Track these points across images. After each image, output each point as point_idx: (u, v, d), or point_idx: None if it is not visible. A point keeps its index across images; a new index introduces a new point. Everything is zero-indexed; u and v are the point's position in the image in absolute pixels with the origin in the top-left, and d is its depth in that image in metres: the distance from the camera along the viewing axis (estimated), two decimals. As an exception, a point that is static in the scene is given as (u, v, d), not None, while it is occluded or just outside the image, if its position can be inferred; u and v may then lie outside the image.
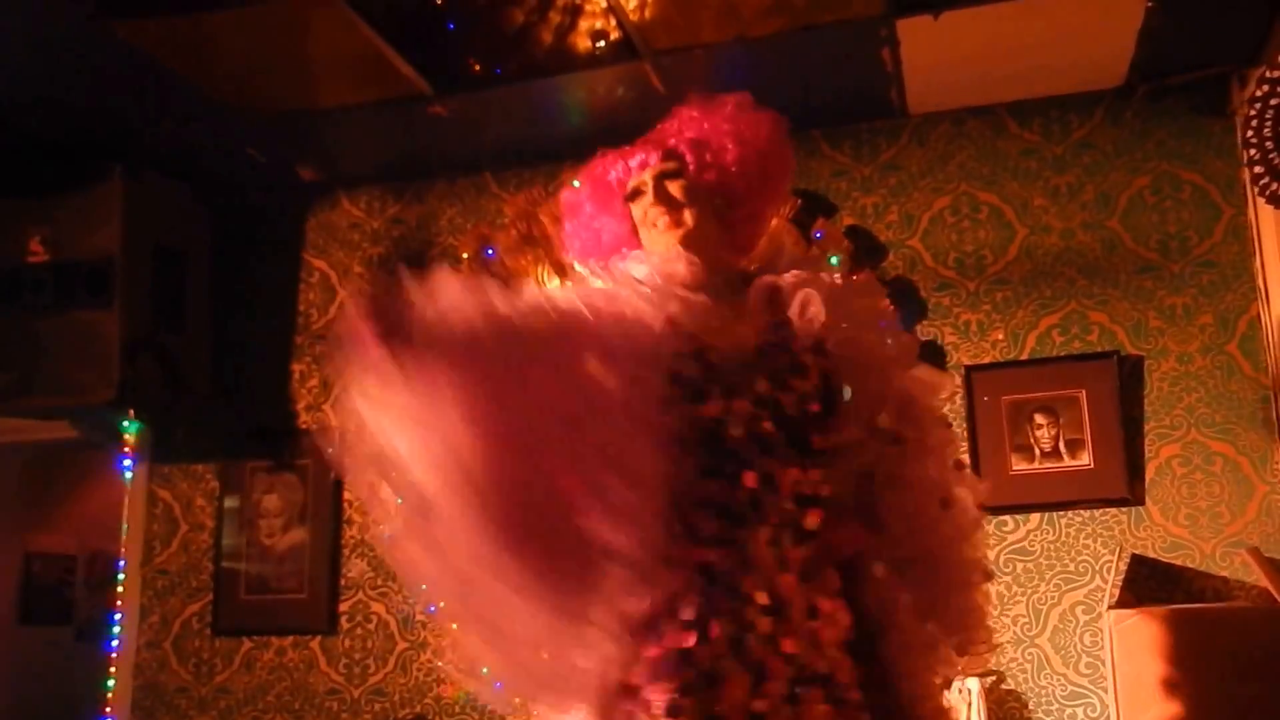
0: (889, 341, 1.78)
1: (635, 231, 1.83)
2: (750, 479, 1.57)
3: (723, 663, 1.51)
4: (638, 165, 1.81)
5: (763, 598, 1.54)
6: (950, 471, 1.74)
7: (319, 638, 3.61)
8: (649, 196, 1.78)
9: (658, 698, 1.50)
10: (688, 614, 1.52)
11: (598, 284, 1.73)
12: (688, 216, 1.76)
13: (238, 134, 3.50)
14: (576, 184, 1.91)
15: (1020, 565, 3.13)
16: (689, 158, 1.79)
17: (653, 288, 1.68)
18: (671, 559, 1.53)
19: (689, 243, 1.75)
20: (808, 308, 1.70)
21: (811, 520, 1.60)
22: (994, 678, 3.07)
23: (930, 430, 1.74)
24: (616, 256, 1.81)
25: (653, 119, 3.49)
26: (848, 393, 1.68)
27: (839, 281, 1.77)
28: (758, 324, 1.71)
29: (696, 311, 1.65)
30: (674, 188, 1.77)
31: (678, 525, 1.55)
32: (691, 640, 1.51)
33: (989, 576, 1.75)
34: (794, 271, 1.75)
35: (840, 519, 1.64)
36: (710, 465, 1.58)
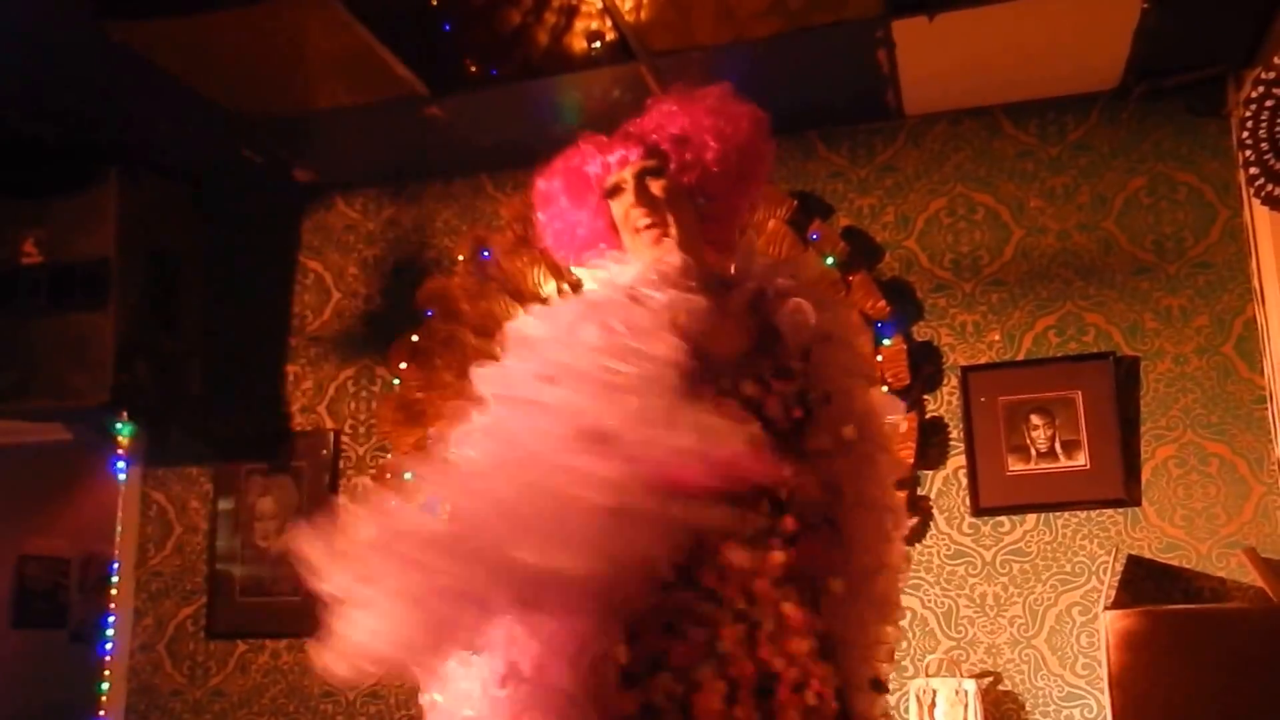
0: (860, 359, 1.80)
1: (612, 227, 1.79)
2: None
3: (699, 668, 1.48)
4: (617, 162, 1.75)
5: (739, 602, 1.51)
6: (895, 496, 1.76)
7: (314, 640, 3.59)
8: (630, 196, 1.73)
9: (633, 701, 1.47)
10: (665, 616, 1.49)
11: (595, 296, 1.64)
12: (671, 220, 1.71)
13: (233, 136, 3.49)
14: (550, 174, 1.87)
15: (1017, 566, 3.13)
16: (670, 155, 1.75)
17: (655, 296, 1.61)
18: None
19: (682, 248, 1.70)
20: (798, 315, 1.68)
21: (788, 524, 1.57)
22: (991, 678, 3.07)
23: (888, 448, 1.74)
24: (593, 252, 1.77)
25: (649, 120, 3.47)
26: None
27: (819, 289, 1.78)
28: (746, 326, 1.68)
29: (698, 314, 1.60)
30: (655, 187, 1.73)
31: None
32: (668, 643, 1.49)
33: (901, 616, 1.79)
34: (782, 278, 1.74)
35: (810, 530, 1.61)
36: None
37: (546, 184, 1.86)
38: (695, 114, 1.77)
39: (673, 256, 1.67)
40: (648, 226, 1.72)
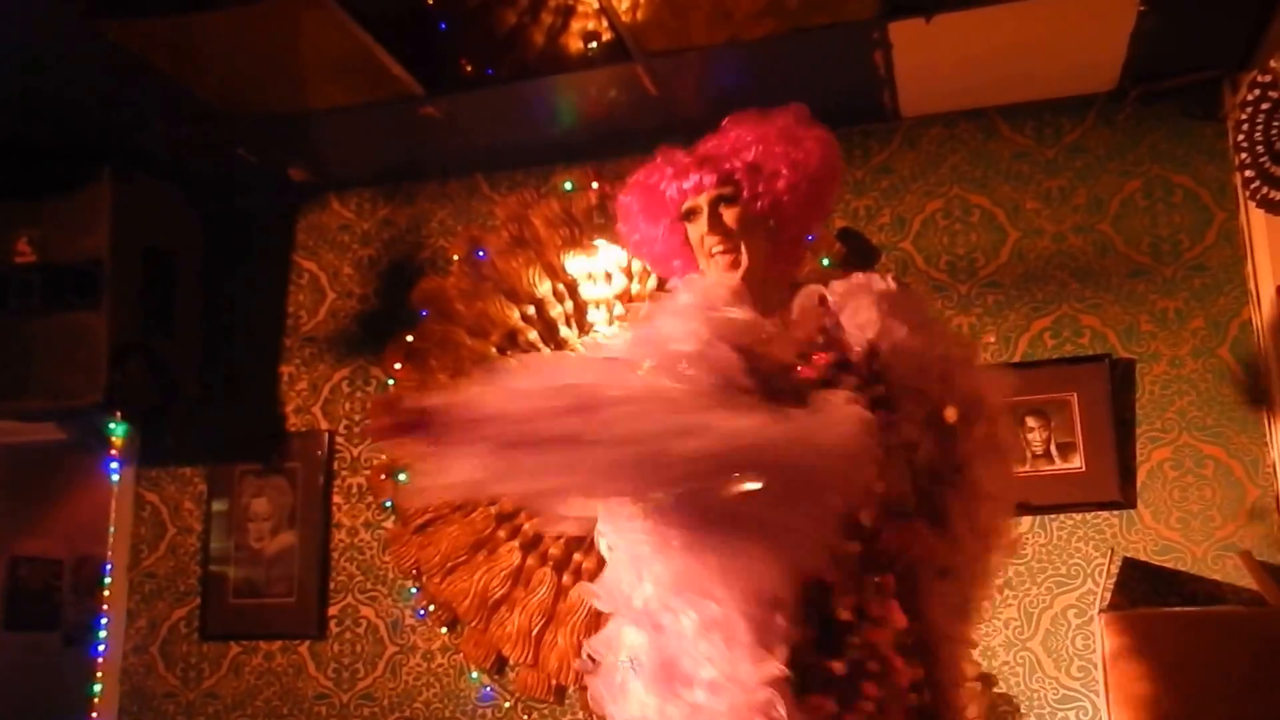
0: (948, 342, 1.88)
1: (687, 244, 1.89)
2: None
3: None
4: (692, 188, 1.85)
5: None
6: (1011, 478, 1.87)
7: (307, 642, 3.59)
8: (704, 222, 1.84)
9: None
10: None
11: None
12: (743, 248, 1.82)
13: (228, 135, 3.48)
14: (630, 189, 1.96)
15: (1012, 568, 3.12)
16: (744, 183, 1.83)
17: (695, 316, 1.74)
18: None
19: (746, 275, 1.82)
20: (859, 313, 1.77)
21: (865, 517, 1.63)
22: (986, 681, 3.06)
23: (1000, 428, 1.82)
24: (672, 266, 1.93)
25: (645, 121, 3.50)
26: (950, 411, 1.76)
27: (888, 288, 1.83)
28: (806, 327, 1.77)
29: (738, 327, 1.72)
30: (729, 215, 1.83)
31: None
32: None
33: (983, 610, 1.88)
34: (842, 280, 1.84)
35: (896, 518, 1.67)
36: None
37: (626, 199, 1.97)
38: (769, 141, 1.86)
39: (728, 282, 1.80)
40: (721, 253, 1.83)
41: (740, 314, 1.74)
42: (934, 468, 1.72)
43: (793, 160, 1.85)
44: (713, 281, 1.82)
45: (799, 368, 1.71)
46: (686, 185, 1.85)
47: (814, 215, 1.94)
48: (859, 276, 1.85)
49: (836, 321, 1.78)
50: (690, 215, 1.86)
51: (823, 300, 1.81)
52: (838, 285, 1.82)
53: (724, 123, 1.93)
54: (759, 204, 1.83)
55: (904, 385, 1.73)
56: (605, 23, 2.91)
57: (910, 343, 1.76)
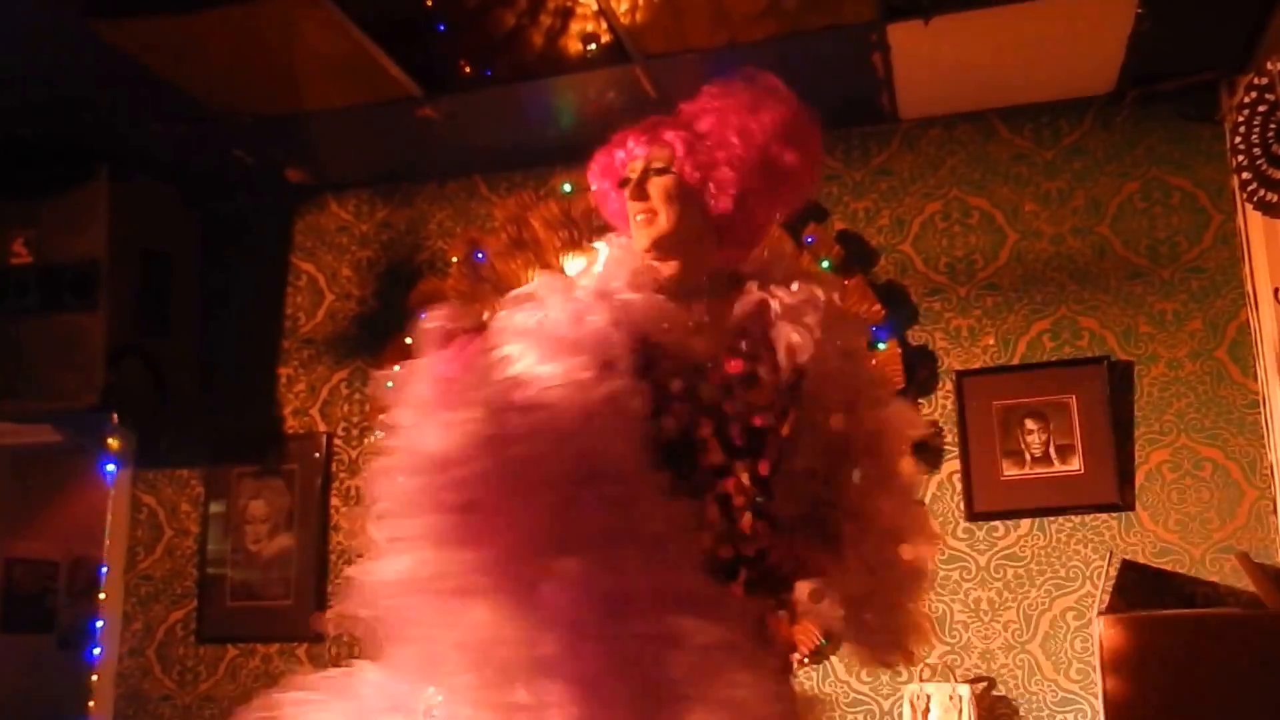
0: (869, 373, 1.81)
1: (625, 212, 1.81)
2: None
3: None
4: (627, 155, 1.75)
5: None
6: (910, 514, 1.77)
7: (305, 645, 3.57)
8: (629, 191, 1.74)
9: None
10: None
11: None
12: (663, 217, 1.70)
13: (225, 136, 3.48)
14: (595, 154, 1.86)
15: (1011, 571, 3.12)
16: (680, 153, 1.71)
17: (595, 294, 1.67)
18: None
19: (663, 243, 1.70)
20: (798, 332, 1.68)
21: (745, 524, 1.60)
22: (985, 684, 3.06)
23: (895, 468, 1.75)
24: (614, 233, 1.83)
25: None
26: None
27: (832, 306, 1.74)
28: (731, 330, 1.69)
29: (638, 309, 1.65)
30: (657, 185, 1.71)
31: None
32: None
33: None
34: (790, 291, 1.72)
35: (783, 536, 1.65)
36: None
37: (592, 163, 1.87)
38: (726, 111, 1.74)
39: (640, 247, 1.73)
40: (642, 224, 1.73)
41: (638, 298, 1.65)
42: (835, 499, 1.71)
43: (743, 129, 1.70)
44: (616, 258, 1.72)
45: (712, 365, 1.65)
46: (622, 155, 1.75)
47: (767, 195, 1.75)
48: (808, 290, 1.73)
49: (766, 331, 1.70)
50: (624, 183, 1.75)
51: (764, 305, 1.71)
52: (784, 294, 1.71)
53: (701, 92, 1.80)
54: (694, 174, 1.70)
55: (814, 411, 1.69)
56: (604, 24, 2.90)
57: (837, 371, 1.70)
